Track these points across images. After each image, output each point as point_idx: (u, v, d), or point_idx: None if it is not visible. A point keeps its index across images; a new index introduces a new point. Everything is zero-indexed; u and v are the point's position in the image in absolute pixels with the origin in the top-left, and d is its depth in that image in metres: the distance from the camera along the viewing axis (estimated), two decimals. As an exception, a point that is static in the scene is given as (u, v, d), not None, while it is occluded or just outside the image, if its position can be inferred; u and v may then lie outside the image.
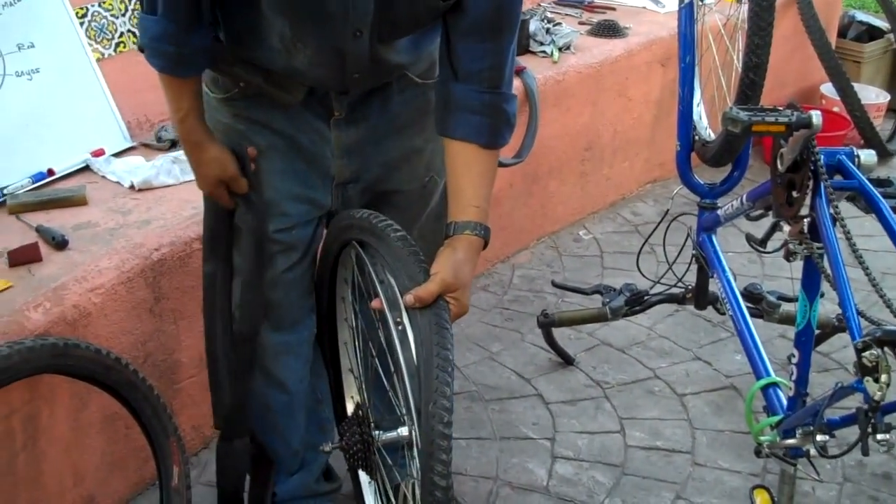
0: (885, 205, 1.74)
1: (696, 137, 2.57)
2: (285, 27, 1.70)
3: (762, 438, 1.98)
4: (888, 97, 4.48)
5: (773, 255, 2.11)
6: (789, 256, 1.84)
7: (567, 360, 2.93)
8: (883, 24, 4.76)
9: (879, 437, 1.58)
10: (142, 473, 2.34)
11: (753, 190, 2.15)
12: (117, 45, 2.78)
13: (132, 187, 2.46)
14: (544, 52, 3.47)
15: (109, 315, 2.14)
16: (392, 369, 1.84)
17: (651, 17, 3.94)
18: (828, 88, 4.36)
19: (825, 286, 1.82)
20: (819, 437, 1.77)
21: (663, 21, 3.86)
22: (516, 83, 3.02)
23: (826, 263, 1.75)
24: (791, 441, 1.89)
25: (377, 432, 1.85)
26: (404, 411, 1.80)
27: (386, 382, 1.91)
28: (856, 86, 4.19)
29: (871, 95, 4.44)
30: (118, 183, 2.48)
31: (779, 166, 1.82)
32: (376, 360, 1.95)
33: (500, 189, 3.21)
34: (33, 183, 2.43)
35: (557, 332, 2.91)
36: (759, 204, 2.13)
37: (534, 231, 3.58)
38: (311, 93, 1.84)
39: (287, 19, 1.68)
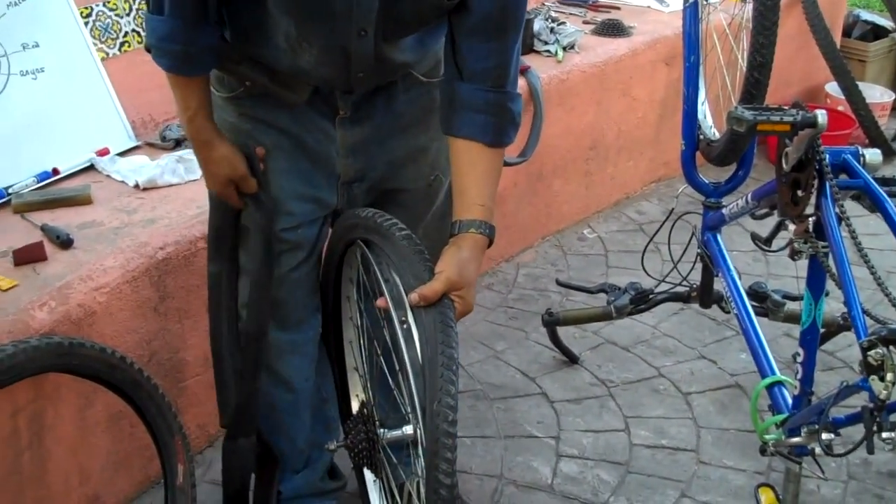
0: (890, 203, 1.74)
1: (701, 136, 2.57)
2: (290, 26, 1.70)
3: (767, 437, 1.98)
4: (893, 96, 4.47)
5: (778, 254, 2.10)
6: (794, 255, 1.84)
7: (572, 359, 2.93)
8: (888, 23, 4.75)
9: (885, 435, 1.58)
10: (147, 472, 2.35)
11: (758, 189, 2.15)
12: (122, 44, 2.78)
13: (137, 186, 2.46)
14: (548, 51, 3.47)
15: (114, 314, 2.14)
16: (397, 368, 1.84)
17: (655, 17, 3.94)
18: (833, 87, 4.35)
19: (830, 285, 1.82)
20: (824, 436, 1.77)
21: (668, 20, 3.85)
22: (521, 82, 3.02)
23: (831, 262, 1.74)
24: (796, 439, 1.89)
25: (382, 431, 1.85)
26: (409, 410, 1.80)
27: (391, 381, 1.91)
28: (861, 85, 4.19)
29: (876, 94, 4.43)
30: (123, 182, 2.49)
31: (784, 165, 1.82)
32: (381, 358, 1.95)
33: (505, 188, 3.21)
34: (38, 182, 2.44)
35: (562, 331, 2.91)
36: (764, 203, 2.13)
37: (538, 230, 3.58)
38: (316, 92, 1.84)
39: (292, 18, 1.69)
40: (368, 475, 2.15)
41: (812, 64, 4.42)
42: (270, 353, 2.04)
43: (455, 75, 1.72)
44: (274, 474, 2.19)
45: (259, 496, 2.20)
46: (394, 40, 1.75)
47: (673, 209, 2.65)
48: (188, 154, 2.51)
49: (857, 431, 1.63)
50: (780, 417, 1.96)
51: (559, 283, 3.03)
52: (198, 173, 2.45)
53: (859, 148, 1.84)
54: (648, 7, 4.04)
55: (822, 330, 1.94)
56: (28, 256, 2.11)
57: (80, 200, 2.38)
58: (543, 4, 3.90)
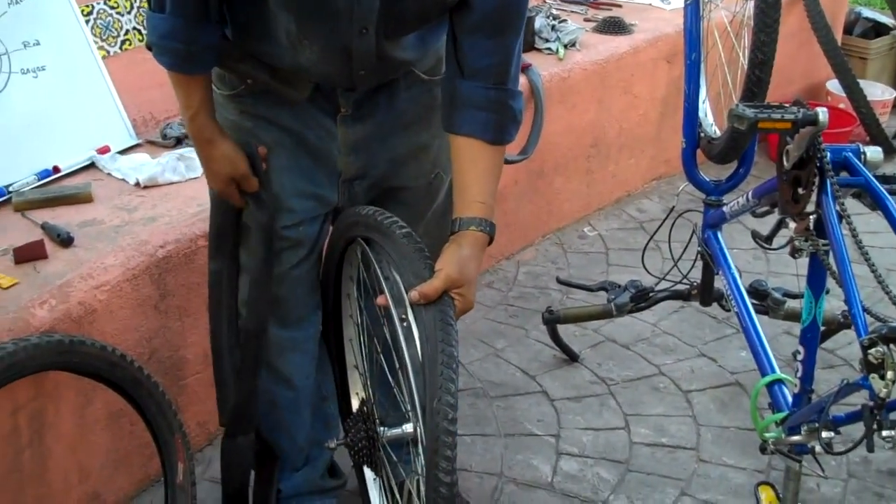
0: (891, 201, 1.74)
1: (702, 134, 2.57)
2: (291, 24, 1.70)
3: (767, 435, 1.98)
4: (894, 94, 4.47)
5: (779, 252, 2.10)
6: (795, 253, 1.84)
7: (572, 357, 2.93)
8: (889, 20, 4.75)
9: (885, 433, 1.58)
10: (147, 470, 2.35)
11: (759, 187, 2.15)
12: (123, 42, 2.78)
13: (137, 184, 2.46)
14: (550, 49, 3.47)
15: (115, 312, 2.14)
16: (397, 366, 1.84)
17: (657, 14, 3.93)
18: (834, 85, 4.35)
19: (831, 283, 1.82)
20: (824, 434, 1.77)
21: (669, 18, 3.85)
22: (522, 80, 3.02)
23: (832, 260, 1.74)
24: (796, 438, 1.89)
25: (382, 429, 1.85)
26: (409, 408, 1.80)
27: (391, 379, 1.91)
28: (862, 82, 4.18)
29: (877, 92, 4.43)
30: (123, 180, 2.49)
31: (785, 163, 1.82)
32: (381, 356, 1.95)
33: (506, 186, 3.21)
34: (39, 180, 2.44)
35: (562, 329, 2.91)
36: (765, 201, 2.13)
37: (539, 228, 3.58)
38: (317, 89, 1.84)
39: (293, 16, 1.68)
40: (368, 473, 2.15)
41: (813, 61, 4.42)
42: (271, 350, 2.04)
43: (456, 73, 1.71)
44: (274, 472, 2.19)
45: (259, 494, 2.20)
46: (395, 38, 1.74)
47: (674, 207, 2.65)
48: (189, 152, 2.51)
49: (857, 430, 1.62)
50: (781, 415, 1.96)
51: (559, 281, 3.03)
52: (198, 171, 2.45)
53: (860, 146, 1.84)
54: (650, 4, 4.04)
55: (822, 328, 1.94)
56: (29, 254, 2.11)
57: (80, 198, 2.38)
58: (545, 2, 3.90)
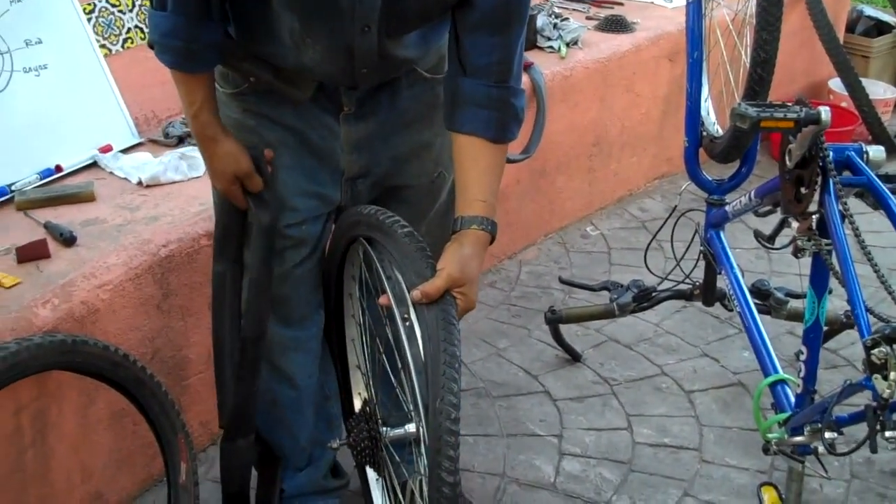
0: (894, 200, 1.74)
1: (704, 133, 2.57)
2: (294, 22, 1.70)
3: (770, 435, 1.97)
4: (896, 92, 4.47)
5: (782, 252, 2.10)
6: (797, 253, 1.83)
7: (574, 357, 2.93)
8: (891, 18, 4.75)
9: (888, 434, 1.58)
10: (149, 470, 2.35)
11: (761, 186, 2.14)
12: (125, 40, 2.78)
13: (140, 183, 2.46)
14: (552, 47, 3.47)
15: (117, 311, 2.14)
16: (399, 365, 1.84)
17: (659, 12, 3.93)
18: (836, 84, 4.35)
19: (833, 282, 1.82)
20: (827, 435, 1.77)
21: (671, 16, 3.85)
22: (524, 79, 3.02)
23: (834, 260, 1.74)
24: (799, 438, 1.89)
25: (385, 429, 1.85)
26: (412, 408, 1.80)
27: (393, 379, 1.91)
28: (864, 81, 4.18)
29: (880, 91, 4.42)
30: (126, 179, 2.49)
31: (787, 162, 1.82)
32: (384, 356, 1.95)
33: (508, 185, 3.20)
34: (41, 179, 2.43)
35: (565, 329, 2.91)
36: (768, 200, 2.13)
37: (541, 227, 3.58)
38: (320, 88, 1.84)
39: (296, 15, 1.68)
40: (371, 473, 2.15)
41: (815, 60, 4.42)
42: (273, 349, 2.04)
43: (458, 71, 1.71)
44: (276, 472, 2.19)
45: (261, 494, 2.21)
46: (397, 36, 1.74)
47: (676, 206, 2.65)
48: (191, 151, 2.51)
49: (861, 430, 1.62)
50: (783, 416, 1.96)
51: (562, 281, 3.03)
52: (201, 170, 2.45)
53: (863, 145, 1.83)
54: (652, 3, 4.04)
55: (825, 328, 1.94)
56: (31, 254, 2.11)
57: (83, 197, 2.37)
58: (547, 0, 3.89)
